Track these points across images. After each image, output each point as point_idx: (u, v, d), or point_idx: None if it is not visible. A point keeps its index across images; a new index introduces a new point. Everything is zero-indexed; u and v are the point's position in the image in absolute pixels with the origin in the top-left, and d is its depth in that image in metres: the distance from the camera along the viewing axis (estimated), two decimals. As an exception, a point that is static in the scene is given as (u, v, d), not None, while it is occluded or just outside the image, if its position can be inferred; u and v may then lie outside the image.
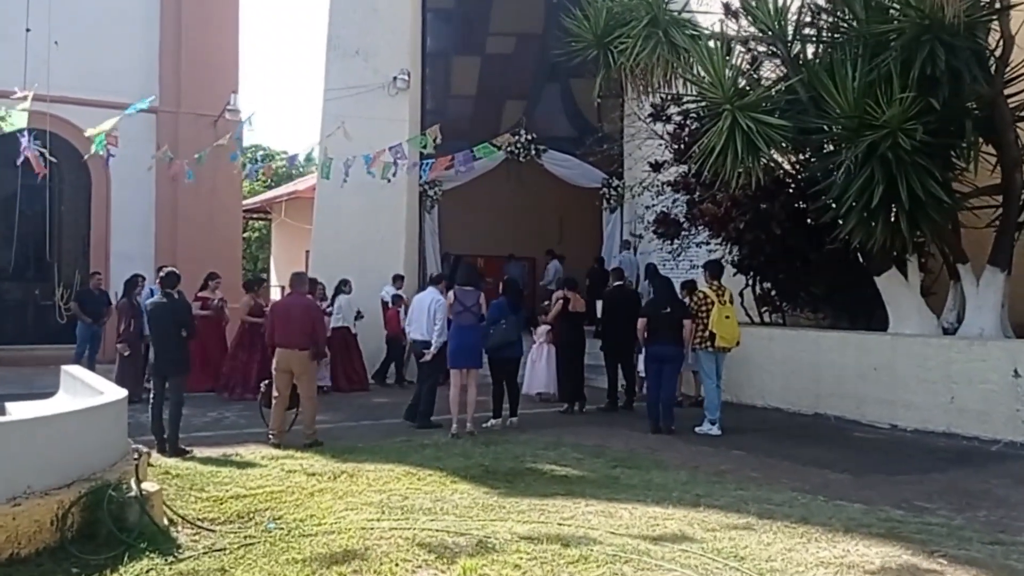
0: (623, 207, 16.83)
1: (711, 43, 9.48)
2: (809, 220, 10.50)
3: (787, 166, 10.62)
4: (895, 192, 8.58)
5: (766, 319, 12.40)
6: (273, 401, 8.59)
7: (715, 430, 9.39)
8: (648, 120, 12.33)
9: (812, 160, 10.01)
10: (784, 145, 9.01)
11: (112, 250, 17.49)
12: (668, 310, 9.46)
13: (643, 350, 9.97)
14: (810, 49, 10.00)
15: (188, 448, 8.11)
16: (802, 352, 10.69)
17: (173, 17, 18.07)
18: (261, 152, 35.14)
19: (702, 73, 9.47)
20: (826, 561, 4.70)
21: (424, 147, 13.36)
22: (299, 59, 58.71)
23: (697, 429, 9.48)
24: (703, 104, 9.68)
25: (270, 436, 8.55)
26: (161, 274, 9.01)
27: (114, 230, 17.58)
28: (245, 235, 30.78)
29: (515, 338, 9.57)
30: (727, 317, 9.37)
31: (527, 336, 11.39)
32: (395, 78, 15.42)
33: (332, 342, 12.20)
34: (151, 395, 8.47)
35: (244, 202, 26.04)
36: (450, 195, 16.60)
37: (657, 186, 12.65)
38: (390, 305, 13.61)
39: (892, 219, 8.92)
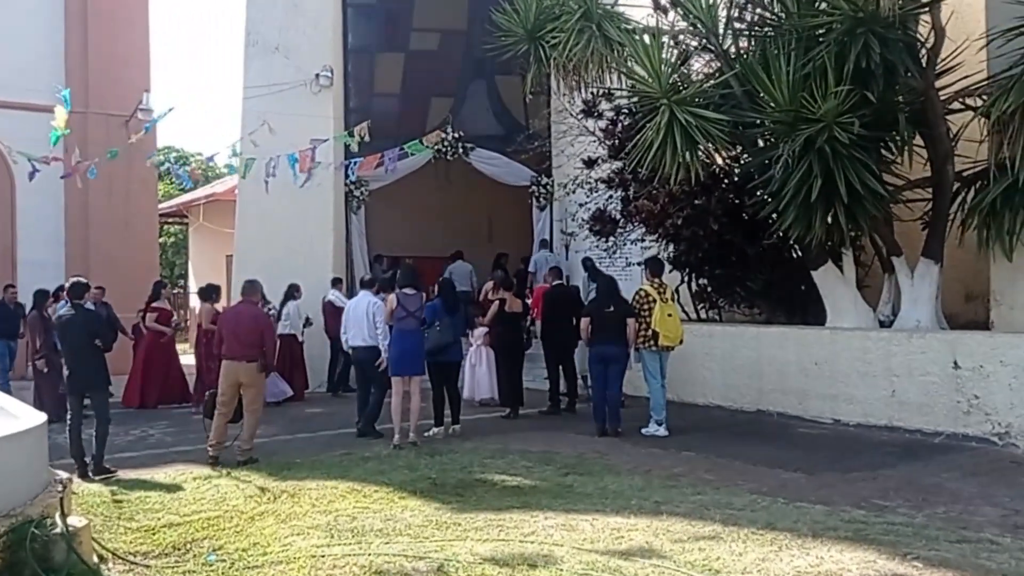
0: (552, 205, 16.68)
1: (645, 37, 9.32)
2: (745, 215, 10.49)
3: (721, 161, 10.57)
4: (833, 186, 8.59)
5: (702, 316, 12.39)
6: (216, 413, 8.18)
7: (662, 431, 9.27)
8: (579, 116, 12.16)
9: (747, 155, 9.96)
10: (722, 139, 8.92)
11: (19, 258, 16.55)
12: (611, 308, 9.27)
13: (586, 350, 9.78)
14: (742, 43, 9.96)
15: (113, 468, 7.70)
16: (743, 348, 10.67)
17: (79, 11, 17.22)
18: (175, 154, 33.93)
19: (637, 68, 9.32)
20: (803, 570, 4.57)
21: (349, 146, 12.98)
22: (212, 56, 56.94)
23: (643, 430, 9.34)
24: (638, 99, 9.51)
25: (208, 449, 8.13)
26: (67, 284, 8.47)
27: (20, 237, 16.63)
28: (160, 240, 29.67)
29: (451, 340, 9.30)
30: (669, 315, 9.22)
31: (466, 340, 11.13)
32: (318, 75, 14.92)
33: (279, 351, 11.68)
34: (68, 415, 7.93)
35: (161, 205, 25.09)
36: (376, 195, 16.17)
37: (590, 183, 12.51)
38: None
39: (830, 213, 8.91)
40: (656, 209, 10.57)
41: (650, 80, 8.94)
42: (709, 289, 11.86)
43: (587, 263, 12.81)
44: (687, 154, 8.73)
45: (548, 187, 16.51)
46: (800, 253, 10.52)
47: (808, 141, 8.47)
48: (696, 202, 10.46)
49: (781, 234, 9.60)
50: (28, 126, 15.52)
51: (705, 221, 10.40)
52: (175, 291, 27.23)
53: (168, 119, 14.56)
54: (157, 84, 18.17)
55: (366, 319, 9.23)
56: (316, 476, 7.42)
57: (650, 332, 9.19)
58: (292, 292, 12.93)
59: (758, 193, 9.62)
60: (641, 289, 9.47)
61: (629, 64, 9.40)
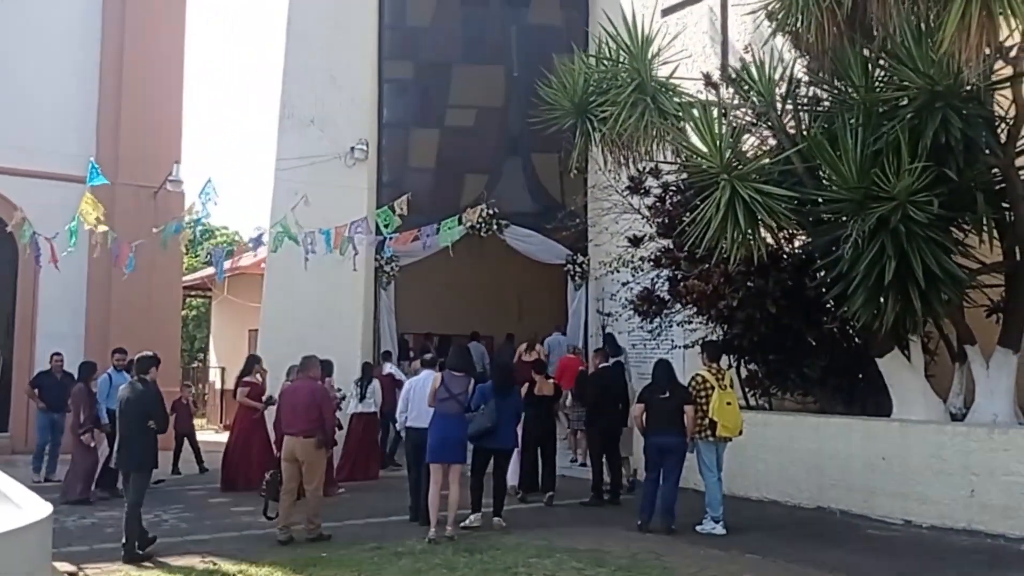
0: (588, 285, 16.20)
1: (701, 111, 8.90)
2: (805, 298, 9.88)
3: (780, 241, 10.02)
4: (907, 268, 8.00)
5: (751, 403, 11.67)
6: (281, 492, 8.11)
7: (719, 529, 8.53)
8: (624, 193, 11.72)
9: (808, 235, 9.39)
10: (786, 218, 8.39)
11: (39, 330, 16.12)
12: (667, 395, 8.61)
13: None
14: (802, 118, 9.53)
15: (148, 552, 7.47)
16: (801, 439, 9.94)
17: (112, 82, 17.13)
18: (200, 227, 33.87)
19: (695, 141, 8.89)
20: None
21: (387, 225, 12.64)
22: (238, 129, 57.59)
23: (698, 528, 8.61)
24: (695, 175, 9.05)
25: (277, 532, 8.00)
26: (136, 358, 8.31)
27: (41, 307, 16.22)
28: (183, 314, 29.36)
29: (492, 425, 8.48)
30: (728, 404, 8.52)
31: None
32: (353, 148, 14.69)
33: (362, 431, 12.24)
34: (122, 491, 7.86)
35: (184, 278, 24.81)
36: (405, 271, 15.75)
37: (634, 262, 11.99)
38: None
39: (901, 297, 8.29)
40: (708, 290, 10.00)
41: (709, 154, 8.48)
42: (760, 375, 11.17)
43: (609, 339, 12.42)
44: (749, 232, 8.19)
45: (584, 266, 16.08)
46: (863, 340, 9.88)
47: (881, 220, 7.93)
48: (751, 283, 9.88)
49: (847, 318, 8.98)
50: (56, 195, 15.33)
51: (762, 303, 9.81)
52: (193, 365, 26.77)
53: (191, 191, 14.27)
54: (189, 155, 18.13)
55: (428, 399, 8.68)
56: (340, 574, 6.72)
57: (707, 421, 8.50)
58: (370, 370, 12.76)
59: (820, 275, 9.03)
60: (698, 374, 8.79)
61: (685, 138, 8.95)
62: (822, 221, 9.26)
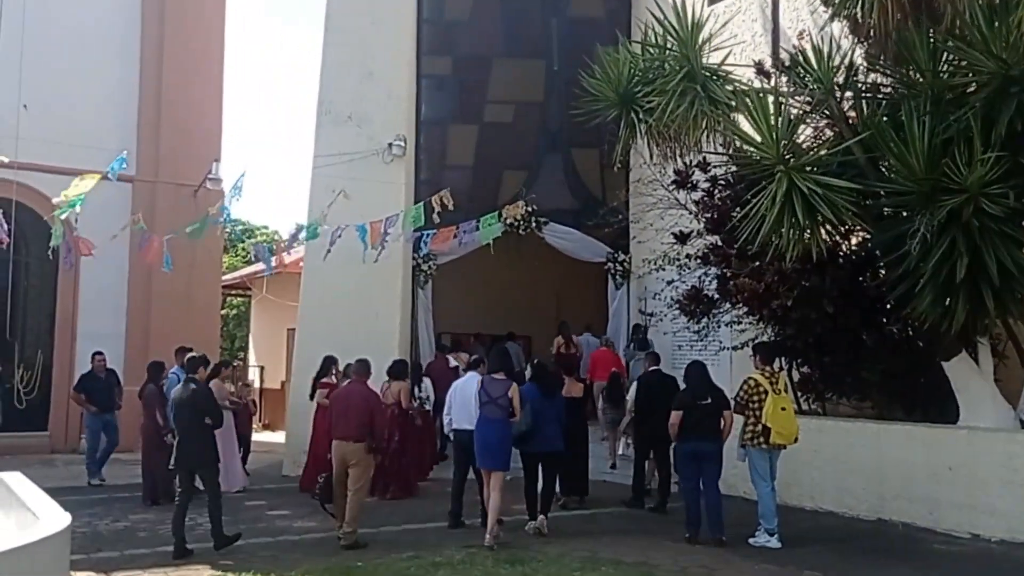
0: (630, 283, 15.76)
1: (755, 98, 8.43)
2: (865, 298, 9.37)
3: (839, 237, 9.49)
4: (980, 265, 7.48)
5: (803, 407, 11.15)
6: (335, 495, 8.08)
7: (773, 542, 8.08)
8: (671, 187, 11.27)
9: (869, 230, 8.84)
10: (848, 211, 7.89)
11: (79, 329, 16.07)
12: (708, 400, 8.22)
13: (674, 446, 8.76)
14: (863, 106, 9.01)
15: (235, 534, 7.80)
16: (859, 447, 9.44)
17: (153, 80, 17.01)
18: (240, 227, 34.02)
19: (749, 130, 8.43)
20: None
21: (417, 222, 12.32)
22: (279, 127, 57.83)
23: (751, 540, 8.17)
24: (749, 166, 8.58)
25: (339, 536, 7.88)
26: (186, 358, 8.66)
27: (82, 308, 16.16)
28: (223, 312, 29.39)
29: (529, 428, 8.14)
30: (783, 409, 8.02)
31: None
32: (390, 144, 14.36)
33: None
34: (177, 492, 7.88)
35: (223, 277, 24.78)
36: (442, 270, 15.44)
37: (679, 259, 11.52)
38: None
39: (973, 296, 7.76)
40: (760, 288, 9.51)
41: (764, 145, 8.02)
42: (814, 378, 10.65)
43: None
44: (807, 227, 7.71)
45: (625, 264, 15.65)
46: (928, 342, 9.34)
47: (951, 214, 7.42)
48: (806, 282, 9.39)
49: (910, 319, 8.47)
50: (96, 194, 15.23)
51: (818, 303, 9.31)
52: (235, 364, 26.69)
53: (243, 186, 14.08)
54: (228, 153, 18.05)
55: (474, 401, 8.50)
56: (380, 586, 6.40)
57: (760, 427, 8.03)
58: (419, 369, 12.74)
59: (882, 273, 8.54)
60: (751, 378, 8.29)
61: (737, 127, 8.50)
62: (883, 216, 8.76)
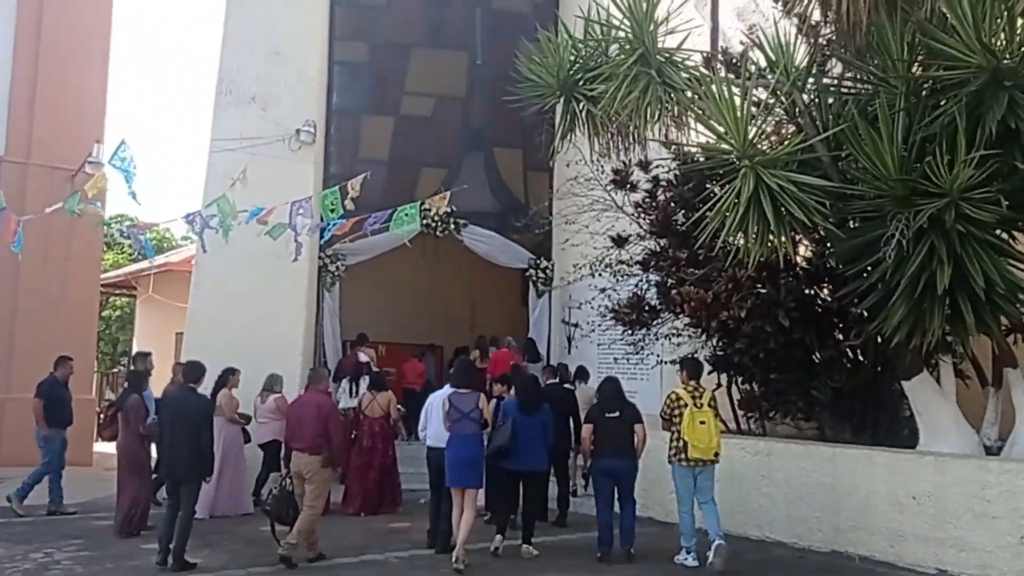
0: (551, 292, 14.85)
1: (719, 85, 7.57)
2: (818, 309, 8.66)
3: (797, 243, 8.75)
4: (962, 275, 6.80)
5: (743, 427, 10.43)
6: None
7: (690, 560, 7.89)
8: (608, 187, 10.39)
9: (839, 235, 8.00)
10: (821, 212, 7.08)
11: (-69, 329, 14.11)
12: (616, 413, 8.08)
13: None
14: (824, 99, 8.31)
15: (194, 563, 7.35)
16: (813, 472, 8.67)
17: (28, 52, 15.16)
18: (128, 223, 31.69)
19: (711, 122, 7.57)
20: None
21: (333, 210, 10.99)
22: (171, 108, 54.54)
23: (676, 558, 7.98)
24: (712, 160, 7.74)
25: (280, 548, 7.51)
26: (185, 367, 8.22)
27: (-66, 304, 14.22)
28: (105, 314, 27.16)
29: (507, 444, 7.88)
30: (702, 423, 7.75)
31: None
32: (298, 131, 13.10)
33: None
34: (166, 503, 7.76)
35: (105, 275, 22.79)
36: (351, 273, 14.20)
37: (615, 265, 10.65)
38: None
39: (950, 311, 7.09)
40: (708, 298, 8.69)
41: (728, 136, 7.16)
42: (757, 395, 9.91)
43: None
44: (775, 230, 6.88)
45: (548, 271, 14.74)
46: (879, 360, 8.70)
47: (931, 220, 6.71)
48: (760, 291, 8.61)
49: (873, 335, 7.76)
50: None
51: (773, 315, 8.53)
52: (113, 370, 24.63)
53: (117, 188, 12.41)
54: (111, 136, 16.19)
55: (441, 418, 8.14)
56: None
57: (681, 443, 7.83)
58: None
59: (844, 284, 7.82)
60: (673, 392, 8.11)
61: (700, 115, 7.64)
62: (846, 220, 8.03)
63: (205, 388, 8.92)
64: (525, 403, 8.17)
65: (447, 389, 8.37)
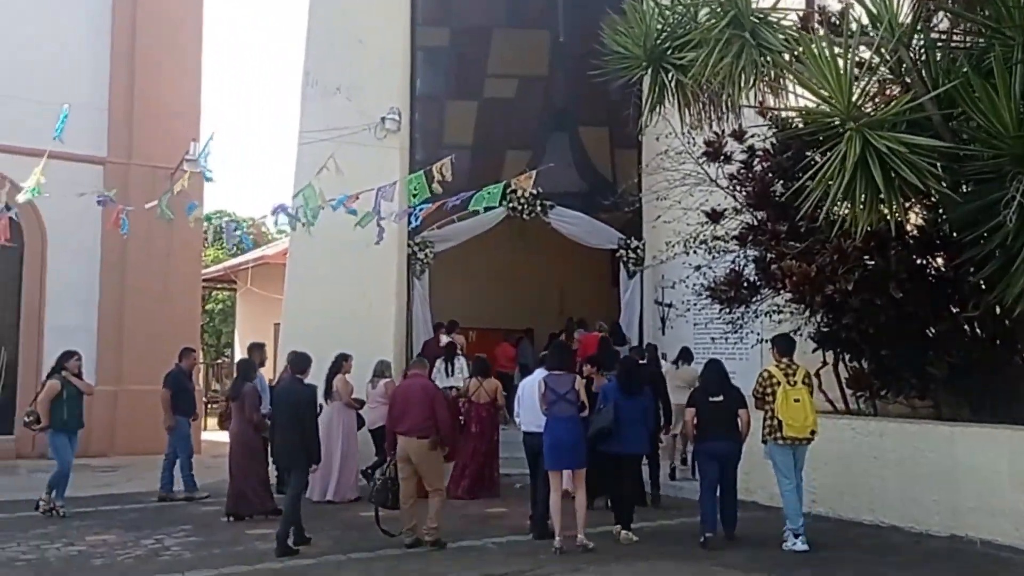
0: (642, 272, 14.50)
1: (820, 45, 7.15)
2: (932, 279, 8.14)
3: (909, 209, 8.23)
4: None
5: (852, 406, 9.94)
6: (401, 495, 7.77)
7: (799, 544, 7.58)
8: (701, 160, 10.02)
9: (956, 199, 7.48)
10: (935, 176, 6.61)
11: (47, 324, 14.73)
12: (720, 398, 7.93)
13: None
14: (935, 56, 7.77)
15: (297, 549, 7.49)
16: (929, 453, 8.20)
17: (125, 55, 15.67)
18: (227, 218, 32.61)
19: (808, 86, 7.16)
20: None
21: (416, 195, 10.92)
22: (263, 106, 55.93)
23: (784, 546, 7.67)
24: (814, 124, 7.33)
25: (403, 533, 7.65)
26: (292, 357, 8.23)
27: (50, 301, 14.82)
28: (208, 307, 28.04)
29: (608, 426, 7.82)
30: (796, 400, 7.56)
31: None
32: (383, 119, 13.11)
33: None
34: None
35: (207, 270, 23.50)
36: (439, 260, 14.17)
37: (710, 242, 10.27)
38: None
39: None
40: (812, 272, 8.27)
41: (831, 99, 6.75)
42: (866, 373, 9.42)
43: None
44: (886, 196, 6.45)
45: (639, 251, 14.40)
46: (998, 332, 8.14)
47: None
48: (869, 263, 8.15)
49: (994, 305, 7.25)
50: (64, 175, 13.94)
51: (883, 287, 8.06)
52: (218, 361, 25.43)
53: (217, 182, 12.85)
54: (207, 134, 16.63)
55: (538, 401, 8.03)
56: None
57: (775, 421, 7.66)
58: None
59: (962, 252, 7.31)
60: (765, 370, 7.97)
61: (801, 76, 7.22)
62: (959, 184, 7.51)
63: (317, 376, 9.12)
64: (627, 386, 8.07)
65: (539, 372, 8.30)
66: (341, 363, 10.62)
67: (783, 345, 7.98)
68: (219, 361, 25.50)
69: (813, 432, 7.65)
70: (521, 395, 8.39)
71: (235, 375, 9.86)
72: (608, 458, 7.99)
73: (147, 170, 15.45)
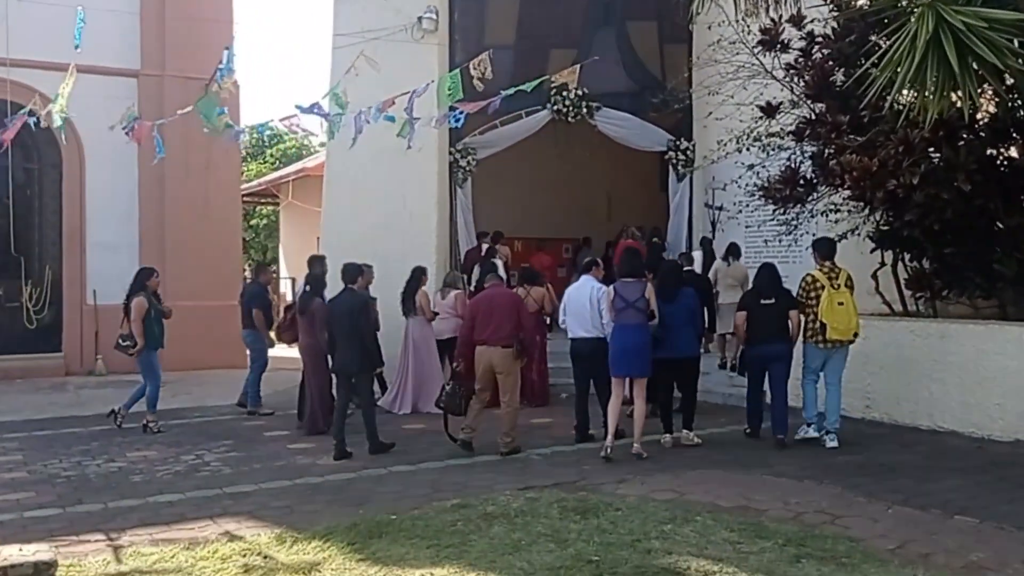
0: (692, 174, 13.92)
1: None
2: (1004, 170, 7.55)
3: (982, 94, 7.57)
4: None
5: (911, 309, 9.49)
6: (473, 399, 7.84)
7: (811, 431, 8.02)
8: (756, 49, 9.37)
9: (1015, 84, 6.88)
10: (1018, 55, 6.00)
11: (88, 240, 14.77)
12: (772, 300, 7.97)
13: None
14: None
15: (391, 443, 7.85)
16: (995, 355, 7.77)
17: (155, -38, 15.26)
18: (268, 132, 32.40)
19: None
20: None
21: (451, 94, 10.43)
22: (295, 15, 54.94)
23: (798, 433, 8.03)
24: (875, 6, 6.70)
25: (461, 432, 7.76)
26: (344, 268, 8.37)
27: (90, 217, 14.82)
28: (252, 222, 28.08)
29: (657, 332, 7.73)
30: (840, 304, 7.63)
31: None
32: (420, 19, 12.53)
33: None
34: (336, 399, 8.26)
35: (249, 184, 23.41)
36: (482, 167, 13.73)
37: (763, 138, 9.70)
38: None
39: None
40: (874, 166, 7.72)
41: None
42: (928, 273, 8.93)
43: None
44: (964, 77, 5.85)
45: (689, 152, 13.80)
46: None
47: None
48: (936, 155, 7.58)
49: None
50: (98, 89, 13.75)
51: (951, 180, 7.51)
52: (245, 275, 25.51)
53: (251, 94, 12.36)
54: (242, 44, 16.28)
55: (589, 307, 8.03)
56: (417, 548, 5.02)
57: (817, 324, 7.72)
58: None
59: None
60: (808, 275, 8.00)
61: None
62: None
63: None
64: (661, 291, 7.93)
65: (584, 280, 8.24)
66: (420, 276, 10.53)
67: (825, 249, 7.99)
68: (246, 275, 25.58)
69: (856, 334, 7.76)
70: (568, 301, 8.25)
71: (305, 288, 9.58)
72: (659, 364, 7.85)
73: (180, 81, 15.12)
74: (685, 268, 10.07)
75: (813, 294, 7.77)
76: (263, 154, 30.83)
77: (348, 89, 10.63)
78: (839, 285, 7.72)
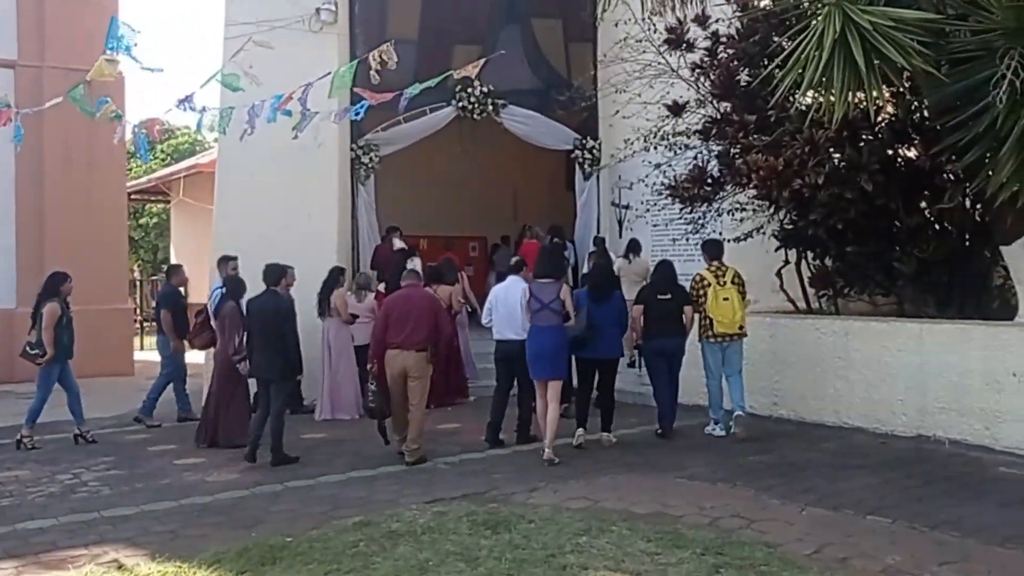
0: (599, 173, 13.87)
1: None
2: (904, 171, 7.66)
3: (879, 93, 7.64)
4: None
5: (813, 307, 9.60)
6: (395, 410, 7.56)
7: (718, 430, 8.31)
8: (662, 48, 9.30)
9: (942, 78, 6.88)
10: (923, 55, 6.02)
11: (-39, 244, 13.72)
12: (668, 296, 8.28)
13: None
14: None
15: (295, 456, 7.48)
16: (897, 352, 7.87)
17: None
18: (158, 127, 31.02)
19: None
20: None
21: (344, 85, 10.04)
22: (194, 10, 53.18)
23: (706, 430, 8.37)
24: (779, 5, 6.67)
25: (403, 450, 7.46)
26: (265, 268, 8.07)
27: (-39, 218, 13.79)
28: (142, 220, 26.87)
29: (582, 334, 7.66)
30: (725, 299, 8.06)
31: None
32: (318, 9, 12.04)
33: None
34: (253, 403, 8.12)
35: (137, 181, 22.35)
36: (386, 164, 13.34)
37: (670, 137, 9.65)
38: None
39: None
40: (780, 165, 7.73)
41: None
42: (829, 271, 9.04)
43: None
44: (870, 78, 5.84)
45: (595, 151, 13.73)
46: (966, 225, 7.74)
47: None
48: (839, 155, 7.62)
49: (973, 196, 6.80)
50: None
51: (854, 179, 7.56)
52: (154, 277, 24.44)
53: (141, 89, 11.62)
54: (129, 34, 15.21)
55: (520, 309, 7.80)
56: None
57: (707, 320, 8.17)
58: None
59: (937, 139, 6.80)
60: (697, 274, 8.40)
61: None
62: (940, 64, 6.92)
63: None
64: (595, 291, 7.99)
65: (511, 280, 8.15)
66: (338, 277, 10.21)
67: (712, 249, 8.41)
68: (154, 277, 24.50)
69: (742, 327, 8.14)
70: (496, 302, 8.08)
71: (220, 289, 8.98)
72: (583, 364, 7.94)
73: (62, 72, 14.15)
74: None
75: (702, 291, 8.16)
76: (153, 149, 29.48)
77: (244, 82, 10.14)
78: (725, 282, 8.12)
